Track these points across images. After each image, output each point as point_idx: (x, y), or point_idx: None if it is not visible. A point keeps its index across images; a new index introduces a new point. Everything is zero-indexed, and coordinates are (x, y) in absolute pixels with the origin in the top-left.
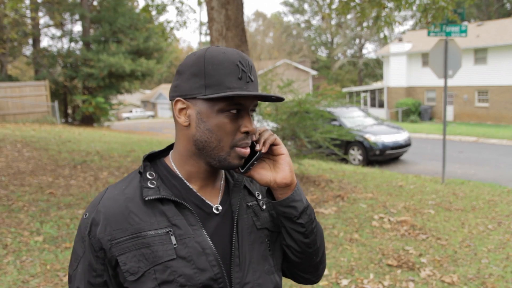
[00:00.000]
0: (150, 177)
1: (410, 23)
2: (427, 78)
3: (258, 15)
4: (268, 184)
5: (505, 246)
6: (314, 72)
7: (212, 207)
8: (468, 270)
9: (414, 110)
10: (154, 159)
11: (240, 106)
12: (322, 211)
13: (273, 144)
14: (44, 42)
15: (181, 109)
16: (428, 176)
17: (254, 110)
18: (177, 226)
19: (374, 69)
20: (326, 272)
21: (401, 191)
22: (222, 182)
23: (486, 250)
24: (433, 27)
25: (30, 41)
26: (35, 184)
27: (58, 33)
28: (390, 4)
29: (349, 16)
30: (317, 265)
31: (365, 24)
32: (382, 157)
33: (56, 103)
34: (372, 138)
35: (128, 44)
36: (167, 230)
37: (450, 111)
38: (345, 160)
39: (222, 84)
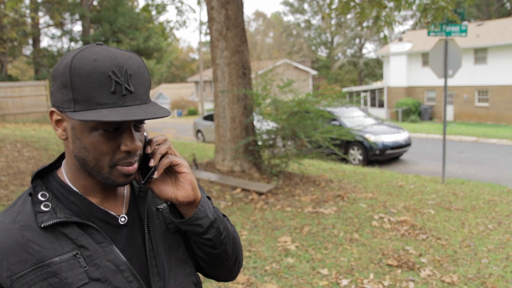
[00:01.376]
0: (42, 199)
1: (410, 23)
2: (427, 78)
3: (258, 15)
4: (169, 200)
5: (505, 246)
6: (314, 72)
7: (117, 218)
8: (468, 270)
9: (414, 110)
10: (46, 173)
11: (117, 124)
12: (322, 211)
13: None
14: (44, 42)
15: (58, 121)
16: (428, 176)
17: (141, 123)
18: (84, 247)
19: (374, 69)
20: (326, 272)
21: (401, 191)
22: (126, 188)
23: (486, 250)
24: (433, 27)
25: (30, 41)
26: None
27: (58, 33)
28: (390, 4)
29: (349, 16)
30: (231, 268)
31: (365, 24)
32: (382, 157)
33: None
34: (372, 138)
35: (128, 44)
36: (74, 253)
37: (450, 111)
38: (345, 160)
39: (91, 100)
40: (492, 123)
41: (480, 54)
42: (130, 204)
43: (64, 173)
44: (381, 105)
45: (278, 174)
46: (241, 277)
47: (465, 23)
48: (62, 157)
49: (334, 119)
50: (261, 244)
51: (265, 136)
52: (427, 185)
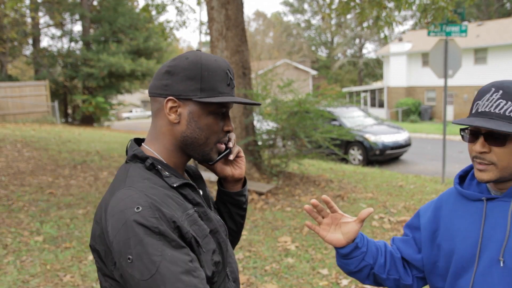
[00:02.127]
0: (160, 168)
1: (410, 23)
2: (427, 78)
3: (258, 15)
4: (226, 177)
5: None
6: (314, 72)
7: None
8: None
9: (414, 110)
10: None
11: (226, 108)
12: None
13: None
14: (44, 42)
15: (172, 107)
16: (428, 176)
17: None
18: (199, 205)
19: (374, 69)
20: (326, 272)
21: (401, 191)
22: None
23: None
24: (433, 27)
25: (30, 41)
26: (35, 184)
27: (58, 33)
28: (390, 4)
29: (349, 16)
30: (237, 243)
31: (365, 24)
32: (382, 157)
33: (56, 103)
34: (372, 138)
35: (128, 44)
36: (194, 209)
37: (450, 111)
38: (345, 160)
39: (215, 89)
40: None
41: (480, 54)
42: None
43: (156, 154)
44: (381, 105)
45: (278, 174)
46: (241, 277)
47: (465, 23)
48: (136, 143)
49: (334, 119)
50: (261, 244)
51: (265, 136)
52: (427, 185)
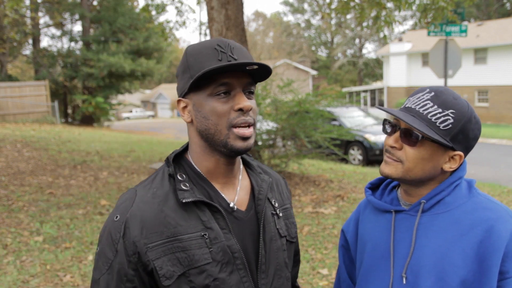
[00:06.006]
0: (181, 179)
1: (410, 23)
2: (427, 78)
3: (258, 15)
4: None
5: None
6: (314, 72)
7: (229, 205)
8: None
9: None
10: (176, 158)
11: (227, 86)
12: (322, 211)
13: None
14: (44, 42)
15: (183, 108)
16: None
17: (251, 92)
18: (212, 229)
19: (374, 69)
20: (326, 272)
21: None
22: (247, 185)
23: None
24: (433, 27)
25: (30, 41)
26: (35, 184)
27: (58, 33)
28: (390, 4)
29: (349, 16)
30: None
31: (365, 24)
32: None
33: (56, 103)
34: (372, 137)
35: (128, 44)
36: (202, 233)
37: None
38: (345, 160)
39: (203, 69)
40: (492, 123)
41: (480, 54)
42: (250, 201)
43: (190, 158)
44: (381, 105)
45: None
46: None
47: (465, 23)
48: (187, 148)
49: (334, 119)
50: None
51: (265, 136)
52: None
